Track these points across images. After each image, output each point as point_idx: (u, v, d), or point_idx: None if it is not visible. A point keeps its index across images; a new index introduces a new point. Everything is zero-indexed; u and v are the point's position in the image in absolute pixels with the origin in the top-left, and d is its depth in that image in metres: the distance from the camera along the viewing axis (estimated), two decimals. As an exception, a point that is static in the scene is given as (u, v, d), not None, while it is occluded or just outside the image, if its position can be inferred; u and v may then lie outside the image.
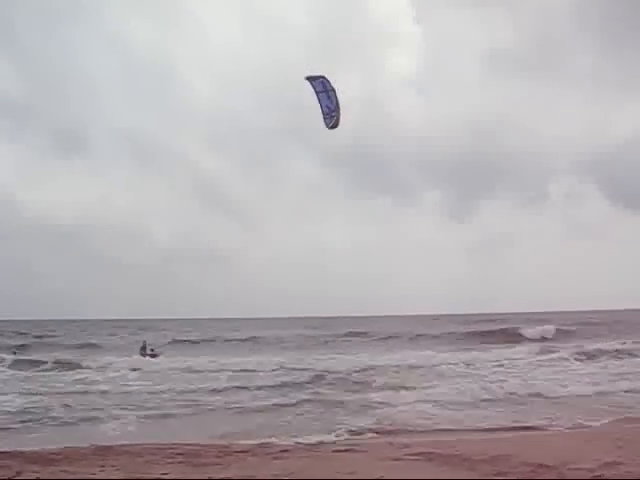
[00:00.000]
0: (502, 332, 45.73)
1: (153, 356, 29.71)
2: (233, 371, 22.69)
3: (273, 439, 11.34)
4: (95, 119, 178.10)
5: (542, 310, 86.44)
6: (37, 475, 8.49)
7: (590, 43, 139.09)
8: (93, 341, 44.83)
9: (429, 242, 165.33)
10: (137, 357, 29.12)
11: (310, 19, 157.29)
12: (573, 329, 47.52)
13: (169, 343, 41.53)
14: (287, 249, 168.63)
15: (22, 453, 10.11)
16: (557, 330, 45.26)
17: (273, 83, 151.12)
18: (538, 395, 16.51)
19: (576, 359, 26.00)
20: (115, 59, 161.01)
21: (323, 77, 10.60)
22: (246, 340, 46.28)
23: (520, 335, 44.02)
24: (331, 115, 10.64)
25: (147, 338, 36.83)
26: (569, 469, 8.16)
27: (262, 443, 10.95)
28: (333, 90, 10.56)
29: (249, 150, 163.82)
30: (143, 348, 31.44)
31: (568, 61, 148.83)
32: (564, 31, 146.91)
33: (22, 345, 40.68)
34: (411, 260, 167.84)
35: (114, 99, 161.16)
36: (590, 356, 27.07)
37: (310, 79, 10.62)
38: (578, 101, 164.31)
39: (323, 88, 10.57)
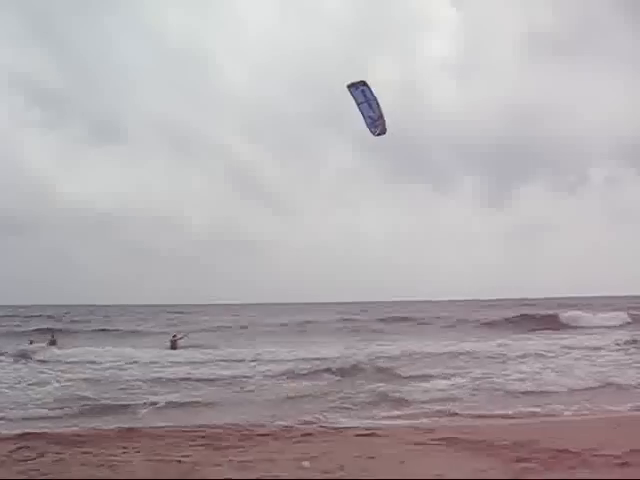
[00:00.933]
0: (554, 319, 43.59)
1: (174, 346, 29.32)
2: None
3: (296, 423, 11.35)
4: (132, 109, 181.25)
5: (582, 295, 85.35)
6: (60, 456, 8.58)
7: (631, 25, 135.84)
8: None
9: (466, 228, 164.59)
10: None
11: (345, 4, 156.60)
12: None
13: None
14: (323, 236, 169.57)
15: (47, 434, 10.27)
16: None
17: (309, 69, 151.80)
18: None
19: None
20: (151, 49, 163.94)
21: (364, 84, 10.42)
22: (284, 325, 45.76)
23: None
24: (375, 124, 10.50)
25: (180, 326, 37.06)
26: (593, 455, 7.96)
27: (285, 427, 10.96)
28: (375, 99, 10.40)
29: (285, 137, 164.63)
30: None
31: (608, 44, 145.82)
32: (604, 13, 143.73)
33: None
34: (448, 246, 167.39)
35: (150, 88, 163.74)
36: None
37: (351, 87, 10.45)
38: (618, 84, 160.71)
39: (364, 98, 10.40)
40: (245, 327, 45.08)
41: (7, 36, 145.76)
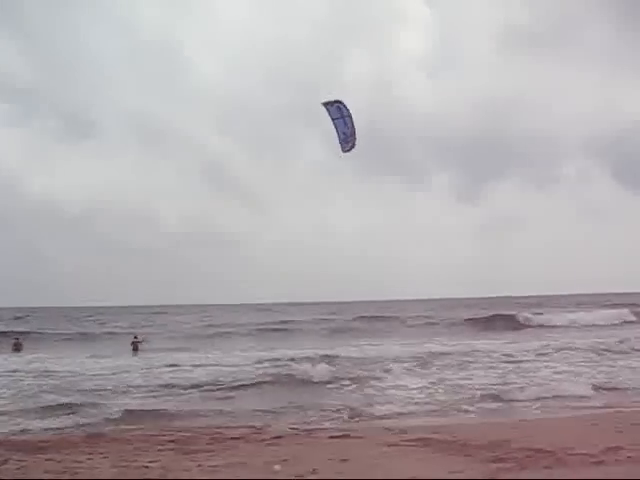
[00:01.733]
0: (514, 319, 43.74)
1: (135, 349, 28.93)
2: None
3: (268, 425, 11.13)
4: (103, 102, 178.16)
5: (553, 293, 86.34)
6: (22, 464, 8.27)
7: (606, 21, 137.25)
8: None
9: (438, 225, 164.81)
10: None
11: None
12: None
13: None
14: (296, 232, 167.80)
15: (9, 441, 9.94)
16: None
17: (283, 63, 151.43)
18: None
19: None
20: (123, 41, 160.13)
21: (340, 102, 10.67)
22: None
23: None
24: (347, 140, 10.74)
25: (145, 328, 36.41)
26: (569, 454, 7.89)
27: (256, 429, 10.74)
28: (350, 116, 10.63)
29: (258, 131, 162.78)
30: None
31: (583, 39, 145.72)
32: (579, 8, 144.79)
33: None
34: (420, 243, 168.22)
35: (122, 82, 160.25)
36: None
37: (327, 105, 10.68)
38: (592, 80, 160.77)
39: (339, 114, 10.64)
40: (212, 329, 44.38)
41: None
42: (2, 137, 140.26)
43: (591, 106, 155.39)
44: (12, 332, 36.94)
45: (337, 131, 10.68)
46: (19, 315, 62.39)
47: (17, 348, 29.98)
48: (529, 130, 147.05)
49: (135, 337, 30.48)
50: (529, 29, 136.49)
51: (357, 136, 10.77)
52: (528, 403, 13.65)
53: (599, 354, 21.71)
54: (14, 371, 20.35)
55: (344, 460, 8.11)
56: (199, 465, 8.05)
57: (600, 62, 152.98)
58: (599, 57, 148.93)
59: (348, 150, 10.80)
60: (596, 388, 14.94)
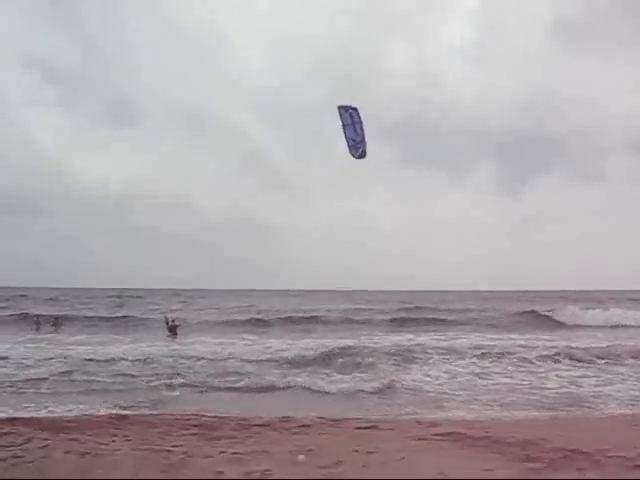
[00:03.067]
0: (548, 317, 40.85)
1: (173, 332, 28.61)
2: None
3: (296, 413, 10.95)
4: (146, 90, 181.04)
5: (596, 288, 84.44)
6: (46, 442, 8.23)
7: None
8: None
9: (478, 218, 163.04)
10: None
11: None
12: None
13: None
14: (336, 223, 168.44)
15: (37, 419, 9.95)
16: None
17: (324, 54, 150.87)
18: None
19: None
20: (167, 30, 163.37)
21: (354, 109, 10.66)
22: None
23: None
24: (356, 147, 10.74)
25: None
26: (606, 457, 7.51)
27: (284, 417, 10.55)
28: (360, 122, 10.65)
29: (298, 122, 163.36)
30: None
31: (633, 32, 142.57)
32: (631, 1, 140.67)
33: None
34: (458, 236, 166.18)
35: (165, 70, 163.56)
36: None
37: (341, 109, 10.67)
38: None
39: (351, 121, 10.65)
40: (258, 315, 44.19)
41: (22, 14, 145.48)
42: (48, 121, 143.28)
43: (636, 102, 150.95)
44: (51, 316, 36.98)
45: (346, 137, 10.68)
46: (53, 296, 63.32)
47: (55, 327, 30.38)
48: (574, 124, 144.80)
49: (173, 320, 29.92)
50: (578, 21, 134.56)
51: (367, 142, 10.76)
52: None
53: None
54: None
55: (370, 452, 7.89)
56: (221, 452, 7.91)
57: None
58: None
59: (359, 157, 10.74)
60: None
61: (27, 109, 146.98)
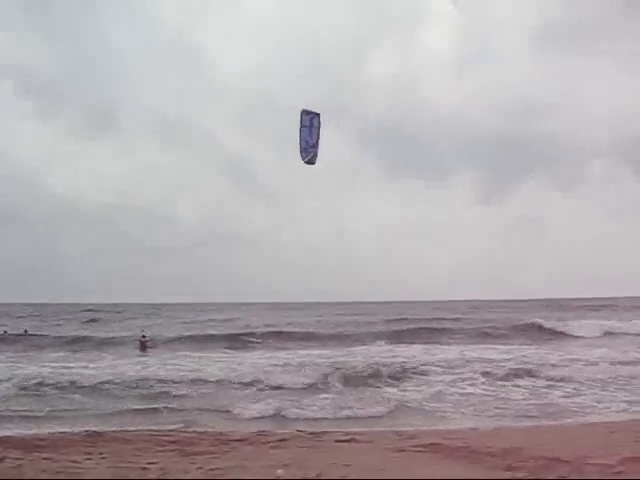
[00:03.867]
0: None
1: (144, 347, 28.63)
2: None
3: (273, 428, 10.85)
4: (125, 100, 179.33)
5: (577, 296, 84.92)
6: (18, 462, 8.04)
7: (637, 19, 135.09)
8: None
9: (460, 225, 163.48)
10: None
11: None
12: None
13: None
14: (317, 231, 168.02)
15: (9, 438, 9.73)
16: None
17: (306, 61, 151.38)
18: None
19: None
20: (145, 39, 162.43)
21: (317, 114, 10.60)
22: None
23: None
24: (308, 150, 10.60)
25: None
26: (586, 464, 7.49)
27: (261, 432, 10.45)
28: (318, 128, 10.59)
29: (280, 131, 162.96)
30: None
31: (614, 37, 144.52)
32: (612, 6, 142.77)
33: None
34: (441, 244, 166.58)
35: (144, 79, 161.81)
36: None
37: (303, 112, 10.61)
38: (621, 79, 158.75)
39: (309, 124, 10.55)
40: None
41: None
42: (24, 132, 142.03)
43: (619, 106, 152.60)
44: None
45: (300, 139, 10.57)
46: (27, 312, 62.35)
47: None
48: (555, 130, 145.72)
49: (143, 337, 29.97)
50: (561, 26, 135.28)
51: (319, 151, 10.63)
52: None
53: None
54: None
55: (348, 465, 7.79)
56: (199, 467, 7.78)
57: (630, 61, 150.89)
58: (629, 56, 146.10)
59: (308, 162, 10.62)
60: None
61: (2, 120, 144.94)
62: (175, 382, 17.17)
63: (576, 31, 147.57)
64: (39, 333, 38.32)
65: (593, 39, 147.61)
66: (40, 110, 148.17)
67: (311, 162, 10.64)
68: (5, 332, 31.70)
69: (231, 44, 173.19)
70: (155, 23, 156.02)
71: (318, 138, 10.58)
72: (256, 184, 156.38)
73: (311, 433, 10.31)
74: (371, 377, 18.11)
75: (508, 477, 7.09)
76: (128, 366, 20.37)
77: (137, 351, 27.69)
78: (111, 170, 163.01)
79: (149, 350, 27.87)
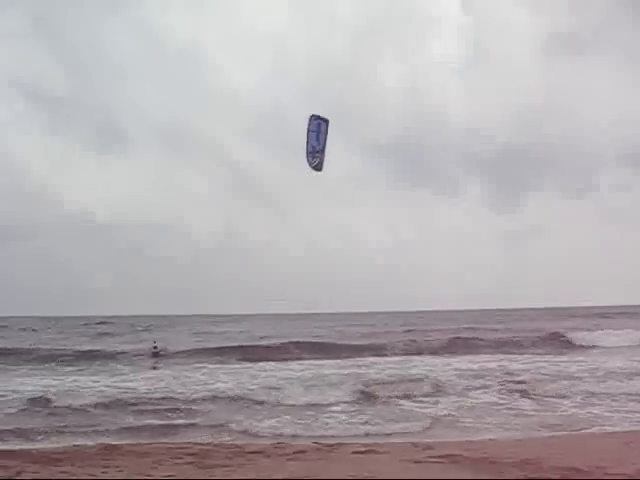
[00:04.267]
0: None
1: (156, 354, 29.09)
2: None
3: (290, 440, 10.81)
4: (134, 113, 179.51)
5: (589, 304, 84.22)
6: (36, 475, 8.06)
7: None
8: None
9: (468, 235, 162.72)
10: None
11: (355, 6, 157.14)
12: None
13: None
14: (325, 242, 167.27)
15: (27, 452, 9.76)
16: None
17: (314, 71, 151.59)
18: None
19: None
20: (154, 51, 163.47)
21: (325, 120, 10.72)
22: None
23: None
24: (314, 155, 10.70)
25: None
26: (605, 474, 7.44)
27: (278, 443, 10.43)
28: (325, 134, 10.69)
29: (287, 141, 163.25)
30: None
31: (626, 45, 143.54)
32: (621, 14, 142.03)
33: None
34: (451, 253, 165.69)
35: (152, 91, 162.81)
36: None
37: (312, 117, 10.73)
38: (633, 87, 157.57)
39: (317, 129, 10.68)
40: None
41: (7, 37, 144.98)
42: (34, 146, 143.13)
43: (630, 113, 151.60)
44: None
45: (307, 143, 10.66)
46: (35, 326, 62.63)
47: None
48: (565, 139, 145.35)
49: (155, 346, 30.45)
50: (568, 36, 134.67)
51: (325, 156, 10.71)
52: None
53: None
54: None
55: (367, 477, 7.76)
56: (215, 480, 7.77)
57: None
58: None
59: (315, 167, 10.70)
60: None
61: (14, 135, 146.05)
62: (188, 395, 17.07)
63: (585, 37, 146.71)
64: (50, 347, 38.59)
65: (601, 46, 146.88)
66: (51, 125, 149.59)
67: (318, 168, 10.71)
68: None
69: (238, 55, 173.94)
70: (162, 35, 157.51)
71: (325, 143, 10.66)
72: (264, 195, 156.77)
73: (328, 445, 10.28)
74: (397, 390, 17.56)
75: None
76: (142, 380, 20.35)
77: (150, 362, 27.72)
78: (119, 182, 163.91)
79: (161, 360, 27.94)
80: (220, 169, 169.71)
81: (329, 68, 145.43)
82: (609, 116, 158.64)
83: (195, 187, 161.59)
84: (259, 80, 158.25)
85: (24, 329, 57.58)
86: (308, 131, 10.65)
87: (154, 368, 25.71)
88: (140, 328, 57.08)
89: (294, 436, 11.93)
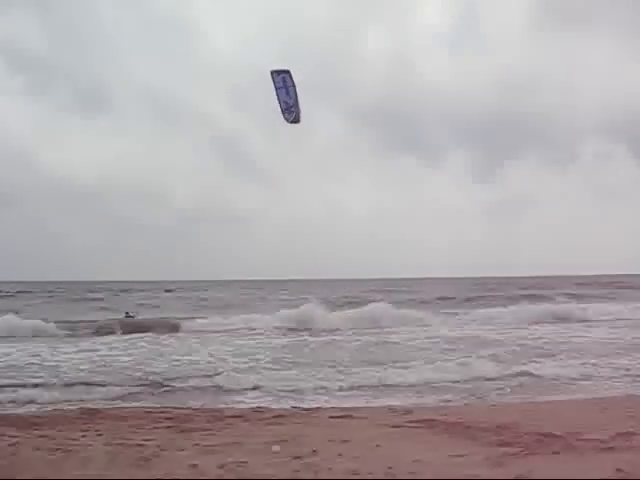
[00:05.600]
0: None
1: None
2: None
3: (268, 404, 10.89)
4: (116, 77, 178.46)
5: (569, 274, 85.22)
6: (14, 440, 8.05)
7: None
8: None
9: (453, 204, 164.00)
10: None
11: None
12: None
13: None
14: (309, 209, 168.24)
15: (4, 417, 9.75)
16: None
17: (299, 37, 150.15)
18: None
19: None
20: (137, 17, 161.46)
21: (287, 72, 10.52)
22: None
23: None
24: (290, 110, 10.59)
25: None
26: (579, 439, 7.56)
27: (257, 407, 10.52)
28: (293, 86, 10.50)
29: (272, 107, 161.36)
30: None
31: (611, 15, 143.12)
32: None
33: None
34: (435, 222, 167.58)
35: (136, 57, 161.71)
36: None
37: (273, 73, 10.51)
38: (618, 59, 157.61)
39: (283, 84, 10.49)
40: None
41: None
42: (16, 108, 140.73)
43: (614, 85, 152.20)
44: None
45: (279, 100, 10.54)
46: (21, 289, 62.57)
47: None
48: (548, 109, 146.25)
49: (127, 313, 31.27)
50: (553, 4, 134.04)
51: (300, 108, 10.60)
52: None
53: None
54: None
55: (345, 441, 7.83)
56: (195, 444, 7.79)
57: (629, 41, 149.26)
58: (628, 34, 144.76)
59: (293, 121, 10.63)
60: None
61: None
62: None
63: (572, 8, 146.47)
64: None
65: (589, 16, 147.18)
66: (31, 87, 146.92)
67: (296, 121, 10.63)
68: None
69: (224, 21, 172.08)
70: (150, 1, 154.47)
71: (296, 96, 10.53)
72: (248, 162, 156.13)
73: (306, 409, 10.39)
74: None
75: (502, 452, 7.16)
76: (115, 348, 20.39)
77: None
78: (102, 148, 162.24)
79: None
80: (206, 136, 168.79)
81: (315, 35, 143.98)
82: (596, 86, 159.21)
83: (180, 154, 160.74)
84: (243, 45, 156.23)
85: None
86: (275, 89, 10.51)
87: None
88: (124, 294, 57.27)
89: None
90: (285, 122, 10.58)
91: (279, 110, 10.56)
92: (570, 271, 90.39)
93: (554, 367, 15.23)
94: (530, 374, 14.31)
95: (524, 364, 15.49)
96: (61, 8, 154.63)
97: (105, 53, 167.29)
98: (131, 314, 30.68)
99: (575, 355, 17.10)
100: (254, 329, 26.01)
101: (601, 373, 14.60)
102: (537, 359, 16.45)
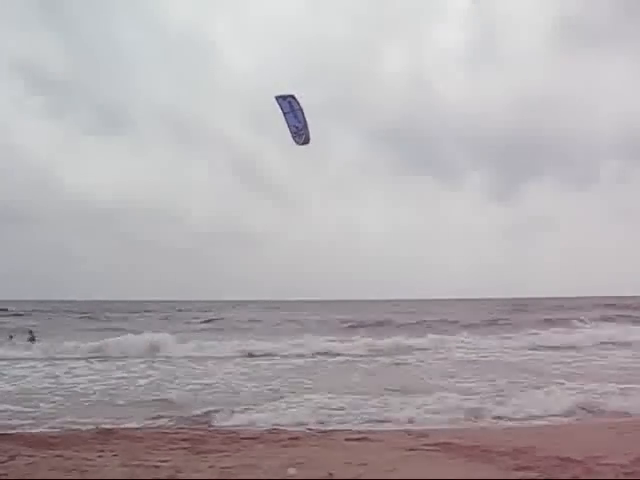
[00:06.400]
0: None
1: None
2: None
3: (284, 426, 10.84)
4: (135, 98, 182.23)
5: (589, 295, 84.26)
6: (31, 460, 8.07)
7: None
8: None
9: (470, 225, 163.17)
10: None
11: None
12: None
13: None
14: (327, 230, 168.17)
15: (21, 436, 9.77)
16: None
17: (318, 60, 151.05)
18: None
19: None
20: (157, 38, 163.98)
21: (292, 96, 10.64)
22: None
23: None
24: (299, 133, 10.74)
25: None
26: (598, 464, 7.47)
27: (272, 429, 10.47)
28: (300, 109, 10.64)
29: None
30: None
31: (630, 36, 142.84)
32: (630, 4, 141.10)
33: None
34: (453, 242, 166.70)
35: (155, 77, 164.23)
36: None
37: (278, 98, 10.66)
38: (638, 79, 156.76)
39: (290, 108, 10.63)
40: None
41: (10, 19, 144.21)
42: (35, 128, 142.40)
43: (634, 105, 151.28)
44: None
45: (288, 125, 10.67)
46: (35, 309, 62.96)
47: (31, 339, 29.87)
48: (568, 129, 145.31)
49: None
50: (574, 23, 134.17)
51: (310, 130, 10.72)
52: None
53: None
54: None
55: (361, 464, 7.79)
56: (211, 466, 7.78)
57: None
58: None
59: (303, 143, 10.75)
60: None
61: (14, 117, 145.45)
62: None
63: (591, 29, 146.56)
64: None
65: (608, 37, 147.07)
66: (51, 107, 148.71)
67: (305, 143, 10.74)
68: (11, 337, 31.30)
69: (242, 42, 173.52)
70: (166, 22, 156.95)
71: (304, 119, 10.63)
72: (267, 183, 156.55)
73: (321, 431, 10.34)
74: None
75: (520, 477, 7.09)
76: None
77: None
78: (121, 168, 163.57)
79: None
80: (224, 157, 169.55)
81: (334, 56, 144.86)
82: (615, 107, 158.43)
83: (198, 175, 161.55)
84: (261, 65, 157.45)
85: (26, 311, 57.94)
86: (283, 113, 10.63)
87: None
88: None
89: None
90: (295, 145, 10.69)
91: (290, 135, 10.70)
92: (590, 292, 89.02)
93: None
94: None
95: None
96: (81, 29, 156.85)
97: (124, 74, 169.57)
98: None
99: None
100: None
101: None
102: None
